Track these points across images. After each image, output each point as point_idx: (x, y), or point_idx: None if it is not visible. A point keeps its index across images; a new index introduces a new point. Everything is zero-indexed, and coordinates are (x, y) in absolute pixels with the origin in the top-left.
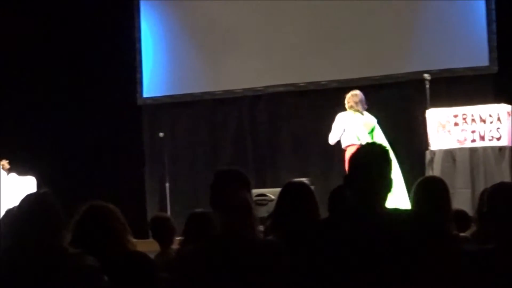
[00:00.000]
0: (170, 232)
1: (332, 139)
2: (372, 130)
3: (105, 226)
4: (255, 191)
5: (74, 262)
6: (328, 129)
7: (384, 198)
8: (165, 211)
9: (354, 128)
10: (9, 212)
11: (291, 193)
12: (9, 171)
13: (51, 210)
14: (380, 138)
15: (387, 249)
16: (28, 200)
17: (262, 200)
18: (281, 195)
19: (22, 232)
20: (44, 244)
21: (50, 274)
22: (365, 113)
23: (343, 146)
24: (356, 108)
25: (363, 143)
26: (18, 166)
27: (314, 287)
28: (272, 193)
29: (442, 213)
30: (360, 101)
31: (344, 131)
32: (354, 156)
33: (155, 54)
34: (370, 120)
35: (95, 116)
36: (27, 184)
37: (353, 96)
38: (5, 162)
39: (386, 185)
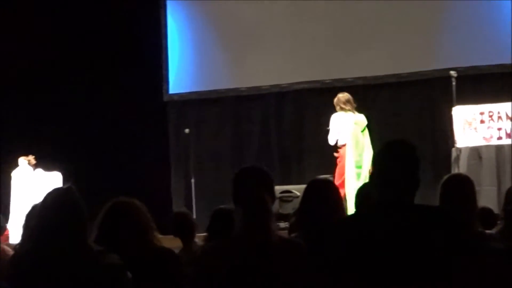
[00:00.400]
0: (191, 228)
1: (332, 140)
2: (364, 129)
3: (130, 222)
4: (280, 188)
5: (97, 259)
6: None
7: (411, 195)
8: (191, 207)
9: (347, 127)
10: (34, 207)
11: (316, 190)
12: (35, 166)
13: (74, 206)
14: (367, 138)
15: (414, 246)
16: (52, 195)
17: (288, 197)
18: (306, 192)
19: (46, 228)
20: (68, 240)
21: (73, 271)
22: (356, 112)
23: (338, 145)
24: (346, 108)
25: (358, 142)
26: (44, 162)
27: (340, 284)
28: (297, 189)
29: (468, 210)
30: (348, 100)
31: (339, 131)
32: (380, 153)
33: (181, 51)
34: (362, 119)
35: (121, 112)
36: (53, 180)
37: (341, 98)
38: (31, 158)
39: (413, 182)
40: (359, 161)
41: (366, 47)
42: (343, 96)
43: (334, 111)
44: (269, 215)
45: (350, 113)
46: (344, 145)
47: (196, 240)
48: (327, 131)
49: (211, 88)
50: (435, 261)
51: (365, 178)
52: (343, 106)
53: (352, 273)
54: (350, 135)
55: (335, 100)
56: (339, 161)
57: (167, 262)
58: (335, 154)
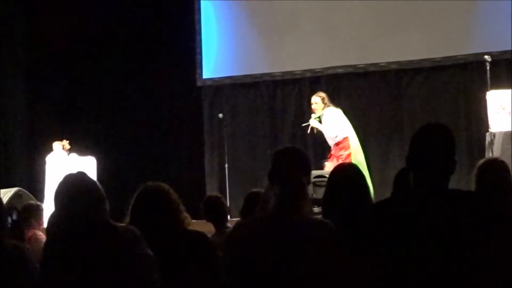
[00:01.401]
0: (222, 212)
1: (333, 134)
2: None
3: (159, 206)
4: (314, 173)
5: (118, 233)
6: (387, 111)
7: (447, 179)
8: (225, 192)
9: (345, 120)
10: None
11: (342, 175)
12: (69, 151)
13: (88, 189)
14: None
15: (450, 231)
16: (65, 182)
17: (321, 182)
18: (331, 177)
19: (63, 214)
20: (88, 222)
21: (95, 245)
22: None
23: (340, 138)
24: (332, 104)
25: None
26: (79, 147)
27: (375, 267)
28: None
29: (503, 194)
30: (327, 97)
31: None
32: (417, 137)
33: (215, 36)
34: None
35: (155, 97)
36: (87, 164)
37: (325, 95)
38: (65, 142)
39: (450, 165)
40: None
41: (400, 31)
42: (322, 92)
43: (368, 95)
44: (303, 196)
45: (338, 108)
46: (345, 138)
47: (229, 224)
48: (361, 116)
49: (245, 73)
50: (471, 246)
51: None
52: (328, 103)
53: (386, 257)
54: (350, 127)
55: (321, 98)
56: (341, 155)
57: (198, 245)
58: (335, 149)
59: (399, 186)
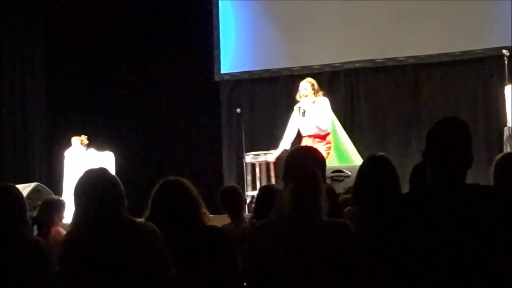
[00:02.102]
0: (238, 202)
1: (327, 125)
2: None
3: (179, 200)
4: (332, 167)
5: (137, 229)
6: (405, 106)
7: (464, 174)
8: (243, 186)
9: (331, 112)
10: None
11: (374, 165)
12: (87, 146)
13: (110, 185)
14: None
15: (469, 224)
16: (86, 177)
17: (339, 177)
18: (363, 167)
19: (83, 209)
20: (107, 214)
21: (114, 241)
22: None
23: (328, 130)
24: (321, 91)
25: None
26: (97, 141)
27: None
28: (348, 169)
29: None
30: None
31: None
32: (433, 132)
33: (233, 31)
34: None
35: (174, 92)
36: (106, 159)
37: (312, 82)
38: (84, 137)
39: (467, 159)
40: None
41: (418, 26)
42: (313, 80)
43: (386, 89)
44: (320, 193)
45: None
46: (329, 133)
47: (245, 214)
48: (380, 110)
49: (263, 68)
50: (490, 241)
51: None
52: (318, 89)
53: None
54: (335, 119)
55: (311, 84)
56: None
57: (216, 240)
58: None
59: (415, 182)
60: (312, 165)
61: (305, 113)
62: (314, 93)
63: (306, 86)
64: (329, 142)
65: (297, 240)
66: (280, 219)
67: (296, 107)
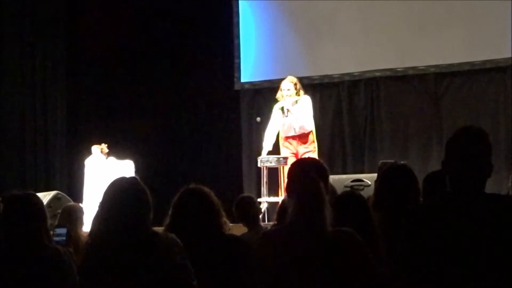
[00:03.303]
0: (253, 211)
1: (311, 125)
2: None
3: (199, 209)
4: (352, 177)
5: (159, 241)
6: (426, 115)
7: (484, 182)
8: (261, 195)
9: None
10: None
11: (394, 175)
12: (108, 155)
13: (139, 195)
14: None
15: (488, 234)
16: (116, 185)
17: (359, 186)
18: (385, 175)
19: (110, 217)
20: (133, 228)
21: (136, 252)
22: None
23: (310, 129)
24: (303, 90)
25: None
26: (117, 150)
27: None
28: (368, 178)
29: None
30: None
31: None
32: (453, 141)
33: (254, 40)
34: None
35: (194, 100)
36: (126, 168)
37: (295, 81)
38: (104, 146)
39: (486, 169)
40: None
41: (439, 34)
42: (295, 78)
43: (406, 98)
44: (324, 205)
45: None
46: (311, 132)
47: (262, 224)
48: (401, 120)
49: (283, 77)
50: (509, 251)
51: None
52: (301, 88)
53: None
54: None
55: (294, 84)
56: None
57: (236, 250)
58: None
59: (431, 189)
60: (315, 177)
61: (288, 113)
62: (296, 93)
63: (289, 86)
64: (313, 142)
65: (303, 250)
66: (287, 228)
67: (276, 107)
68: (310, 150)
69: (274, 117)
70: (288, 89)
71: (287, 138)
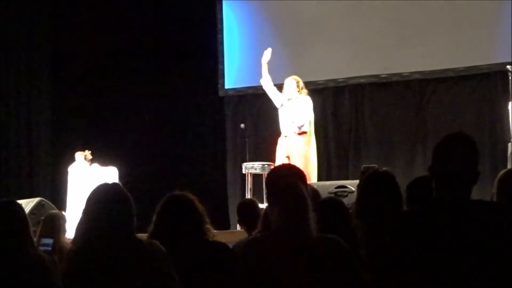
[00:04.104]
0: (255, 217)
1: (305, 125)
2: None
3: (184, 216)
4: (336, 183)
5: (143, 248)
6: (410, 121)
7: (470, 189)
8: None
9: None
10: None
11: (376, 182)
12: (91, 161)
13: (122, 201)
14: None
15: (474, 240)
16: (98, 191)
17: (342, 192)
18: (366, 182)
19: (93, 224)
20: (116, 234)
21: (120, 259)
22: None
23: (303, 129)
24: (305, 89)
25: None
26: (101, 157)
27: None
28: (352, 184)
29: None
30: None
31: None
32: (439, 147)
33: (238, 46)
34: None
35: (178, 107)
36: (109, 175)
37: (298, 79)
38: (87, 153)
39: (473, 176)
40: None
41: (423, 41)
42: (298, 77)
43: (391, 105)
44: (308, 211)
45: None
46: (306, 132)
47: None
48: (385, 126)
49: None
50: (494, 257)
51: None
52: (303, 87)
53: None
54: (313, 120)
55: (297, 82)
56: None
57: (220, 256)
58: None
59: (414, 197)
60: (297, 183)
61: (288, 102)
62: (298, 91)
63: (291, 83)
64: (308, 143)
65: (288, 257)
66: (272, 235)
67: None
68: (305, 151)
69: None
70: (290, 86)
71: (283, 136)
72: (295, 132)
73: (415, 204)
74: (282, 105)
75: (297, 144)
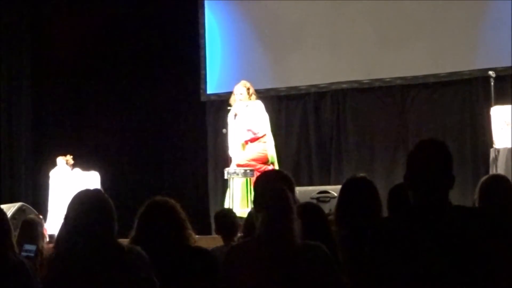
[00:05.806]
0: (232, 227)
1: (262, 130)
2: None
3: (165, 221)
4: (318, 188)
5: (124, 254)
6: (392, 126)
7: (446, 194)
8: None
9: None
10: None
11: (355, 187)
12: (73, 166)
13: (103, 207)
14: None
15: (453, 246)
16: (80, 197)
17: (325, 197)
18: (344, 189)
19: (74, 230)
20: (97, 240)
21: (101, 264)
22: None
23: (262, 134)
24: (256, 95)
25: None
26: (82, 162)
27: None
28: (334, 190)
29: (506, 211)
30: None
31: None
32: (412, 155)
33: (220, 51)
34: None
35: (160, 112)
36: (91, 180)
37: (248, 86)
38: (69, 157)
39: (448, 180)
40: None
41: (405, 47)
42: (248, 83)
43: (373, 110)
44: (293, 217)
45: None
46: (264, 135)
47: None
48: (367, 131)
49: None
50: (473, 262)
51: None
52: (254, 93)
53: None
54: (269, 125)
55: (247, 88)
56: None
57: (201, 261)
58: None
59: (395, 202)
60: (284, 188)
61: (236, 117)
62: (248, 97)
63: (241, 90)
64: (264, 142)
65: (271, 263)
66: (255, 241)
67: (230, 113)
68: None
69: (229, 122)
70: (241, 93)
71: (242, 143)
72: (254, 138)
73: (397, 210)
74: (236, 114)
75: (253, 149)
